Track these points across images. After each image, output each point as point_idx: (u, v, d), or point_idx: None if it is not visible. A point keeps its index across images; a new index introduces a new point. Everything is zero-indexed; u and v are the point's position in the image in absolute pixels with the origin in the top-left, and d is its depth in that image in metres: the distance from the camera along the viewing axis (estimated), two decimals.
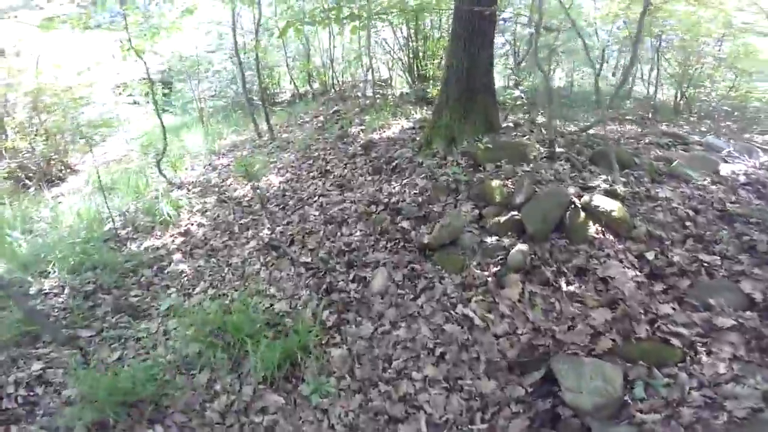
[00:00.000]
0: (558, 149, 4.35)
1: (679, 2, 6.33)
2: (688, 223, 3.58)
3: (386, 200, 4.30)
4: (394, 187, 4.48)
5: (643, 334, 2.60)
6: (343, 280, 3.58)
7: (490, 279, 3.21)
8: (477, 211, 3.80)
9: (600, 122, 5.77)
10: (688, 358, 2.47)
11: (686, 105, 8.68)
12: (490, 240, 3.52)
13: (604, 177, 4.03)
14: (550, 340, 2.73)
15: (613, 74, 10.67)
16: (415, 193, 4.24)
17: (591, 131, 5.21)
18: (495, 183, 3.76)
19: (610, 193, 3.69)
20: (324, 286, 3.51)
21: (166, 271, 4.32)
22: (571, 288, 3.02)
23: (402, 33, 9.76)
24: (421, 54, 9.61)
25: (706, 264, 3.11)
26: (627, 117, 7.53)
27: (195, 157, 7.88)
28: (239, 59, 8.12)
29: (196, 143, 9.05)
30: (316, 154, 6.16)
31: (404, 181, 4.51)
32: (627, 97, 10.62)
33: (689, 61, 7.99)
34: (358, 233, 4.01)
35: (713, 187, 4.29)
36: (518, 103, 6.11)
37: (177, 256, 4.52)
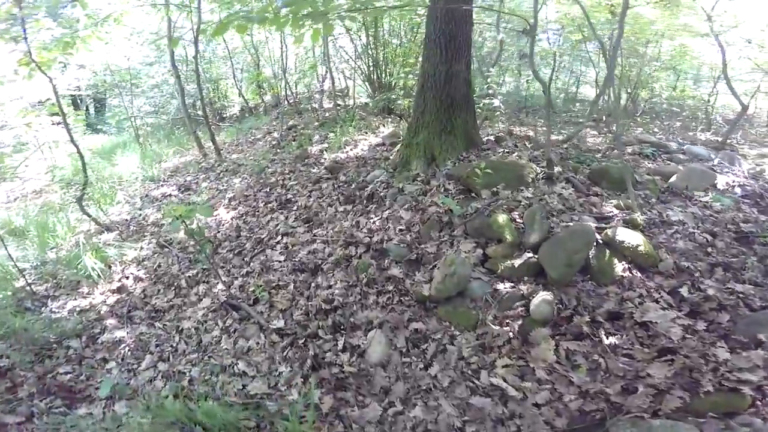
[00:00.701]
0: (557, 168, 3.75)
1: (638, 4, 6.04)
2: (709, 249, 3.18)
3: (366, 239, 3.50)
4: (373, 221, 3.70)
5: (710, 387, 2.17)
6: (330, 350, 2.76)
7: (512, 336, 2.59)
8: (480, 251, 3.10)
9: (579, 131, 5.31)
10: (758, 402, 2.16)
11: (633, 106, 8.59)
12: (504, 287, 2.84)
13: (614, 202, 3.47)
14: (604, 404, 2.22)
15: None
16: (401, 230, 3.47)
17: (578, 142, 4.68)
18: (502, 218, 3.07)
19: (630, 224, 3.13)
20: (308, 360, 2.68)
21: (99, 341, 3.31)
22: (613, 340, 2.49)
23: (361, 40, 9.01)
24: (381, 62, 8.90)
25: (741, 294, 2.75)
26: (581, 120, 7.28)
27: (130, 185, 6.70)
28: (176, 71, 7.02)
29: (132, 168, 7.81)
30: (274, 179, 5.25)
31: (385, 213, 3.73)
32: (574, 101, 10.52)
33: (640, 62, 7.84)
34: (338, 285, 3.18)
35: (718, 204, 3.91)
36: (497, 113, 5.53)
37: (112, 321, 3.49)
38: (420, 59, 8.49)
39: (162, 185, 6.42)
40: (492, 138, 4.67)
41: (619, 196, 3.65)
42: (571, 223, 3.07)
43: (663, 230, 3.35)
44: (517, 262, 2.89)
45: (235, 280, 3.58)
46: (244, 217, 4.53)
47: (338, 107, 7.62)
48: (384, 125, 6.86)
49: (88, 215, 5.04)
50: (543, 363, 2.43)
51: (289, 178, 5.16)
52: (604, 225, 3.13)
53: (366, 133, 6.35)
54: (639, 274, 2.91)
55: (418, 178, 4.05)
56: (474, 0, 4.48)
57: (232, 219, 4.53)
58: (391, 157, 4.83)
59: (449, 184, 3.79)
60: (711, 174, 4.29)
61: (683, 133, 7.07)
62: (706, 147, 5.57)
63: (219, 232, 4.36)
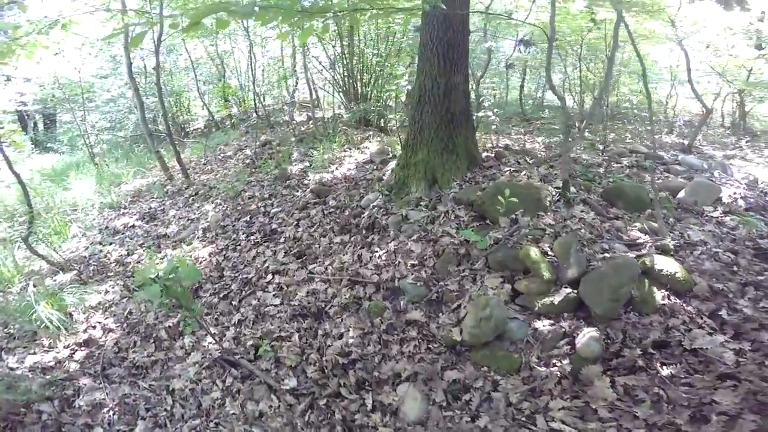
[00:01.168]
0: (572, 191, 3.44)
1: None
2: (735, 269, 3.04)
3: (374, 277, 3.05)
4: (378, 255, 3.24)
5: None
6: (359, 411, 2.32)
7: (562, 376, 2.32)
8: (508, 286, 2.73)
9: (572, 146, 5.08)
10: None
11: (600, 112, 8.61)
12: (544, 326, 2.50)
13: (637, 225, 3.20)
14: None
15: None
16: (413, 265, 3.04)
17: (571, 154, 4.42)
18: (534, 252, 2.69)
19: (662, 250, 2.86)
20: (337, 426, 2.22)
21: (76, 404, 2.68)
22: (669, 370, 2.30)
23: (335, 49, 8.55)
24: (356, 72, 8.46)
25: None
26: (555, 127, 7.17)
27: (86, 214, 5.90)
28: (134, 83, 6.27)
29: (87, 192, 6.97)
30: (253, 205, 4.68)
31: (390, 245, 3.29)
32: (542, 107, 10.49)
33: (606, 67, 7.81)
34: (351, 333, 2.70)
35: (727, 219, 3.76)
36: (493, 127, 5.21)
37: (86, 380, 2.85)
38: (402, 69, 8.20)
39: (123, 213, 5.68)
40: (491, 154, 4.33)
41: (638, 216, 3.39)
42: (608, 255, 2.76)
43: (689, 252, 3.15)
44: (556, 299, 2.55)
45: (226, 330, 3.02)
46: (224, 252, 3.96)
47: (315, 120, 7.10)
48: (368, 140, 6.43)
49: (38, 254, 4.30)
50: (603, 401, 2.17)
51: (271, 204, 4.62)
52: (637, 252, 2.84)
53: (349, 149, 5.89)
54: (678, 300, 2.71)
55: (421, 203, 3.64)
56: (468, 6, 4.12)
57: (210, 255, 3.94)
58: (384, 178, 4.40)
59: (459, 210, 3.40)
60: (716, 187, 4.14)
61: (649, 137, 7.00)
62: (697, 156, 5.49)
63: (198, 268, 3.76)
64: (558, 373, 2.34)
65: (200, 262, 3.88)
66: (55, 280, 4.11)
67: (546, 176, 3.79)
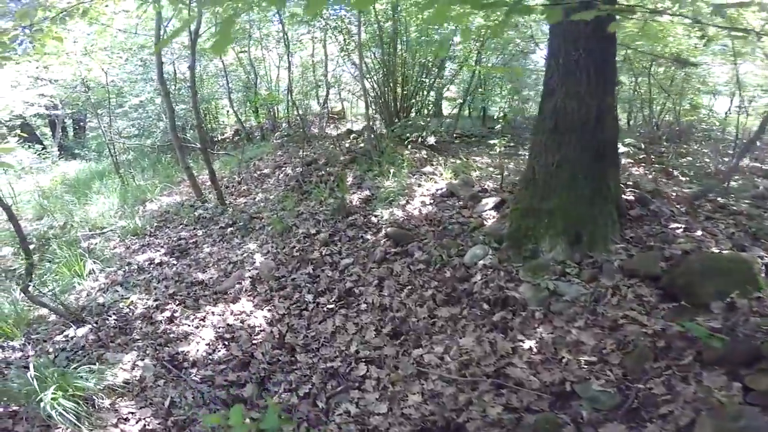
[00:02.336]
0: None
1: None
2: None
3: (531, 377, 1.96)
4: (527, 346, 2.15)
5: None
6: None
7: None
8: (738, 384, 1.71)
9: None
10: None
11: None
12: None
13: None
14: None
15: None
16: (589, 362, 1.95)
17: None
18: None
19: None
20: None
21: None
22: None
23: (375, 56, 7.53)
24: (399, 83, 7.43)
25: None
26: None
27: (107, 241, 4.88)
28: (165, 87, 5.23)
29: (110, 210, 5.98)
30: (315, 251, 3.59)
31: (542, 332, 2.20)
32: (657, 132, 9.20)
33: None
34: None
35: None
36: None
37: None
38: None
39: (148, 244, 4.64)
40: (630, 197, 3.23)
41: None
42: None
43: None
44: None
45: None
46: (287, 320, 2.87)
47: (369, 132, 6.01)
48: (429, 163, 5.36)
49: (43, 305, 3.26)
50: None
51: (338, 251, 3.54)
52: None
53: (414, 174, 4.82)
54: None
55: (568, 270, 2.55)
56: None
57: (269, 324, 2.85)
58: (486, 224, 3.32)
59: (635, 285, 2.30)
60: None
61: (721, 160, 5.79)
62: None
63: (254, 347, 2.68)
64: None
65: (257, 333, 2.79)
66: (66, 338, 3.08)
67: (732, 236, 2.69)
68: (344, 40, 7.44)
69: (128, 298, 3.47)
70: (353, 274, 3.16)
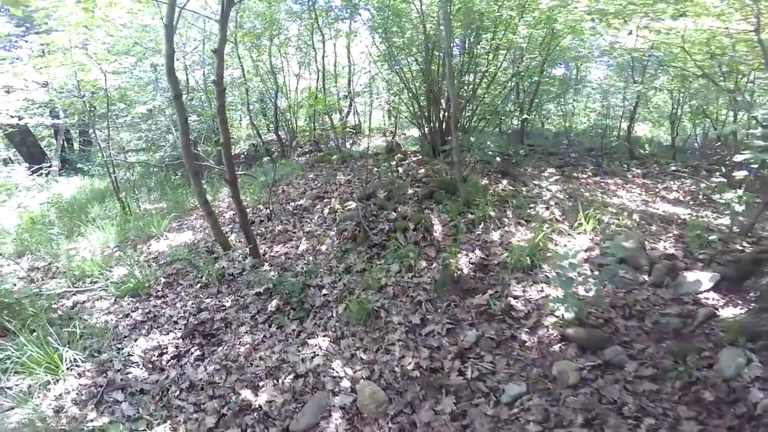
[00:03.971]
0: None
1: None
2: None
3: None
4: None
5: None
6: None
7: None
8: None
9: None
10: None
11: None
12: None
13: None
14: None
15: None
16: None
17: None
18: None
19: None
20: None
21: None
22: None
23: (411, 66, 6.13)
24: (438, 95, 6.03)
25: None
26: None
27: (97, 300, 3.40)
28: (175, 85, 3.53)
29: (105, 246, 4.52)
30: (443, 365, 2.15)
31: None
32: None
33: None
34: None
35: None
36: None
37: None
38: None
39: (155, 315, 3.16)
40: None
41: None
42: None
43: None
44: None
45: None
46: None
47: (453, 152, 4.54)
48: (512, 197, 3.91)
49: None
50: None
51: (486, 367, 2.08)
52: None
53: (506, 219, 3.37)
54: None
55: None
56: None
57: None
58: (720, 312, 1.88)
59: None
60: None
61: None
62: None
63: None
64: None
65: None
66: None
67: None
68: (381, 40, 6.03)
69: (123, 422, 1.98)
70: (534, 412, 1.69)
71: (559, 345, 2.19)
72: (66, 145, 10.58)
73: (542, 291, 2.52)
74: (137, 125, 7.69)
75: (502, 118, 7.28)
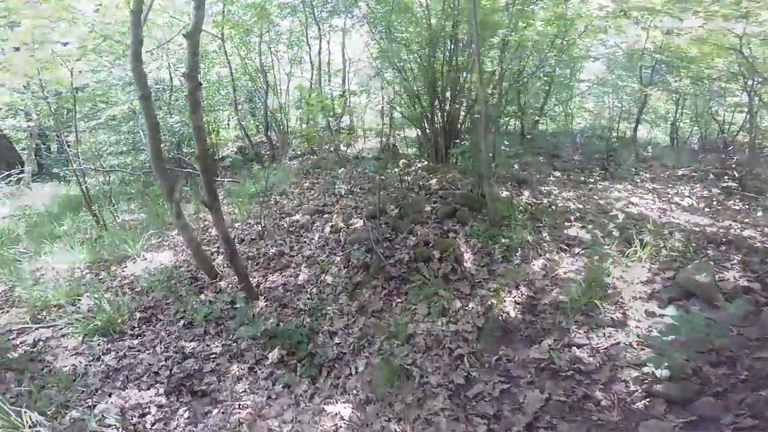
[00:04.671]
0: None
1: None
2: None
3: None
4: None
5: None
6: None
7: None
8: None
9: None
10: None
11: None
12: None
13: None
14: None
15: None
16: None
17: None
18: None
19: None
20: None
21: None
22: None
23: (412, 65, 5.58)
24: (447, 97, 5.52)
25: None
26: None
27: (61, 338, 2.75)
28: (140, 75, 2.71)
29: (74, 269, 3.86)
30: None
31: None
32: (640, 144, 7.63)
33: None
34: None
35: None
36: None
37: None
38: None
39: (130, 362, 2.54)
40: None
41: None
42: None
43: None
44: None
45: None
46: None
47: (481, 177, 3.97)
48: (538, 214, 3.39)
49: None
50: None
51: None
52: None
53: (560, 245, 2.86)
54: None
55: None
56: None
57: None
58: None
59: None
60: None
61: None
62: None
63: None
64: None
65: None
66: None
67: None
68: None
69: None
70: None
71: (643, 402, 1.70)
72: (44, 148, 9.65)
73: (611, 337, 2.01)
74: (116, 127, 6.91)
75: (507, 119, 6.82)
